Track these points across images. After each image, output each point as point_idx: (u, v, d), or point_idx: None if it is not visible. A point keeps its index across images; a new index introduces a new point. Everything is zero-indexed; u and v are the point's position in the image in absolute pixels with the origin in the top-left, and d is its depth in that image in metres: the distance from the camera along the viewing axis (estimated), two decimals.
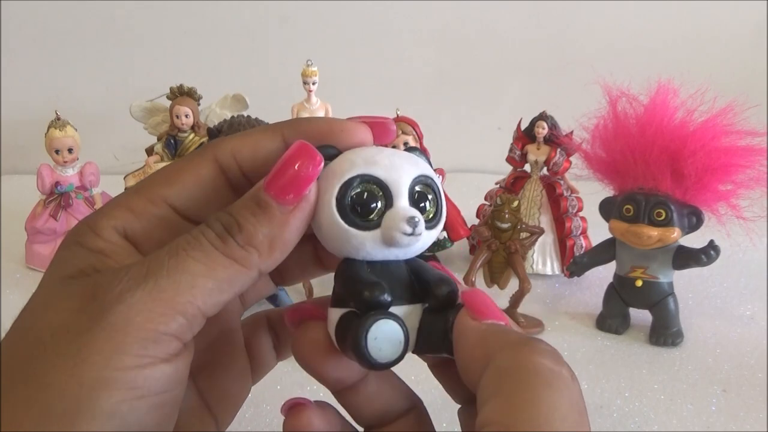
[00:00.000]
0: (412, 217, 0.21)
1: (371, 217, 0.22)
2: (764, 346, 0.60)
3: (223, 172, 0.24)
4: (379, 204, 0.22)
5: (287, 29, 1.06)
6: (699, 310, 0.66)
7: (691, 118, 0.57)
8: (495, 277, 0.64)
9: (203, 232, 0.21)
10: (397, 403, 0.26)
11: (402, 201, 0.22)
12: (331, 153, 0.23)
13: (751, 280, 0.72)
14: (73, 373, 0.19)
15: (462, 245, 0.78)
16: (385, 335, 0.21)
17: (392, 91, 1.07)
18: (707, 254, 0.58)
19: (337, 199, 0.22)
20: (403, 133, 0.71)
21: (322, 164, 0.22)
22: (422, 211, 0.22)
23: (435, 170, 0.24)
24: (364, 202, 0.22)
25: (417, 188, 0.22)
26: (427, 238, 0.23)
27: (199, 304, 0.20)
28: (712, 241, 0.59)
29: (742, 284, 0.72)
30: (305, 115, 0.81)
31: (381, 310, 0.21)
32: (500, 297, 0.65)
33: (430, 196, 0.23)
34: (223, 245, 0.21)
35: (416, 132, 0.72)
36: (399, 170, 0.22)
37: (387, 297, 0.21)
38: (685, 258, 0.59)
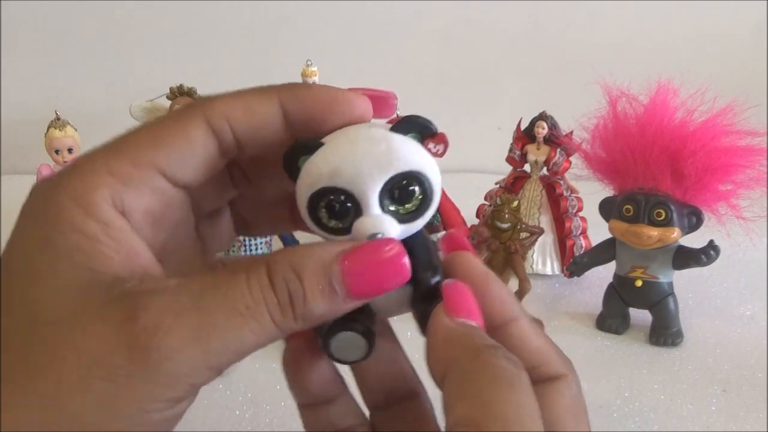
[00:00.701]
0: (374, 234, 0.22)
1: (342, 225, 0.22)
2: (764, 346, 0.60)
3: (215, 135, 0.22)
4: (350, 212, 0.22)
5: (287, 29, 1.06)
6: (699, 310, 0.66)
7: (691, 118, 0.57)
8: None
9: (266, 297, 0.19)
10: (404, 381, 0.26)
11: (371, 209, 0.22)
12: (311, 146, 0.23)
13: (751, 280, 0.72)
14: (105, 411, 0.18)
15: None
16: (347, 343, 0.23)
17: (393, 91, 1.07)
18: (707, 254, 0.58)
19: (308, 209, 0.22)
20: None
21: (407, 280, 0.21)
22: (402, 205, 0.22)
23: (436, 136, 0.24)
24: (334, 213, 0.22)
25: (397, 185, 0.22)
26: (411, 228, 0.23)
27: (232, 360, 0.19)
28: (712, 241, 0.59)
29: (742, 284, 0.72)
30: None
31: (341, 324, 0.22)
32: None
33: (413, 189, 0.22)
34: (282, 319, 0.20)
35: None
36: (366, 179, 0.21)
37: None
38: (685, 258, 0.59)
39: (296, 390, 0.25)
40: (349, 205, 0.22)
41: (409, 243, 0.22)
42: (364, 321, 0.23)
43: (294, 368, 0.24)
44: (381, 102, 0.24)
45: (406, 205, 0.23)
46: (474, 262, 0.24)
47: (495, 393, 0.19)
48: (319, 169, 0.22)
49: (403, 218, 0.23)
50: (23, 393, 0.18)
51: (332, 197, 0.22)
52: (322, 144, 0.23)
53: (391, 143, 0.23)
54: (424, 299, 0.23)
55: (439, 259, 0.24)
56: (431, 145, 0.24)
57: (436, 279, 0.23)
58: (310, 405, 0.25)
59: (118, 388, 0.18)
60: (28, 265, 0.19)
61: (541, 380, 0.22)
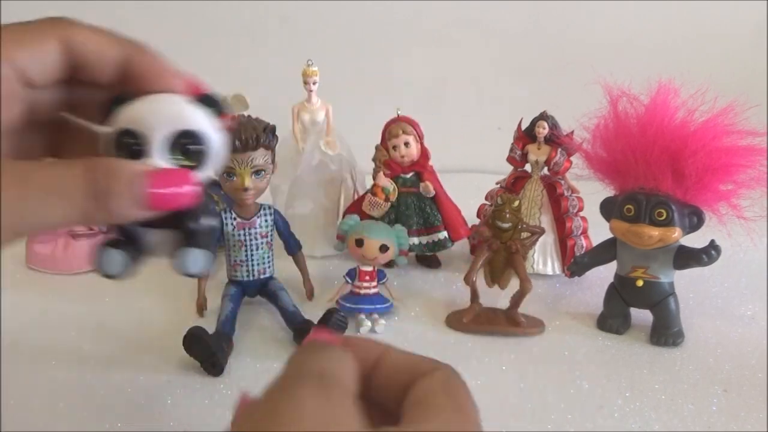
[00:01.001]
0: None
1: (138, 159, 0.29)
2: (765, 346, 0.60)
3: (66, 54, 0.29)
4: (140, 153, 0.29)
5: (287, 29, 1.06)
6: (700, 310, 0.66)
7: (691, 117, 0.57)
8: (496, 277, 0.64)
9: (77, 184, 0.27)
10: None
11: (155, 153, 0.29)
12: (129, 98, 0.31)
13: (752, 280, 0.72)
14: None
15: (462, 245, 0.78)
16: (110, 258, 0.31)
17: (392, 91, 1.07)
18: (708, 254, 0.58)
19: (114, 140, 0.30)
20: (404, 133, 0.71)
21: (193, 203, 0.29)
22: (184, 155, 0.29)
23: (225, 116, 0.33)
24: (128, 151, 0.30)
25: (179, 140, 0.30)
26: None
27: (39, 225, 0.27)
28: (713, 241, 0.59)
29: (743, 284, 0.72)
30: (306, 115, 0.81)
31: (113, 240, 0.32)
32: (501, 297, 0.65)
33: (192, 146, 0.30)
34: (85, 204, 0.27)
35: (417, 132, 0.72)
36: (154, 127, 0.30)
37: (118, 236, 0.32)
38: (685, 258, 0.59)
39: None
40: (137, 147, 0.30)
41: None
42: (133, 248, 0.32)
43: None
44: (195, 89, 0.33)
45: (187, 159, 0.30)
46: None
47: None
48: (126, 114, 0.31)
49: (183, 167, 0.30)
50: None
51: (128, 138, 0.30)
52: (136, 99, 0.31)
53: (183, 108, 0.32)
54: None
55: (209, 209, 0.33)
56: (221, 119, 0.33)
57: (204, 223, 0.32)
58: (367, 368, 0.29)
59: None
60: None
61: (420, 378, 0.27)
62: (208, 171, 0.31)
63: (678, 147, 0.56)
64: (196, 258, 0.32)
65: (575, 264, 0.65)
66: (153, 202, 0.28)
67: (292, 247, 0.66)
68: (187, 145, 0.31)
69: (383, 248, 0.64)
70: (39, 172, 0.27)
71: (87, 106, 0.33)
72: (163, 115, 0.31)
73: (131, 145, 0.30)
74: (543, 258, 0.73)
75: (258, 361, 0.58)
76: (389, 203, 0.73)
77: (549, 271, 0.73)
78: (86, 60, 0.31)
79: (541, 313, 0.65)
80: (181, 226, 0.31)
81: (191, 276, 0.32)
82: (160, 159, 0.30)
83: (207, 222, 0.32)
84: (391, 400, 0.27)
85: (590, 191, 0.66)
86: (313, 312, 0.62)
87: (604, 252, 0.63)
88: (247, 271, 0.63)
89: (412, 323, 0.64)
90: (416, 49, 1.08)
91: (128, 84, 0.32)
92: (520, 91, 1.06)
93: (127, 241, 0.32)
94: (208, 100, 0.33)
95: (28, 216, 0.26)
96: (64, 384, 0.53)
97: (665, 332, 0.60)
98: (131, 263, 0.32)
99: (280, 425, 0.22)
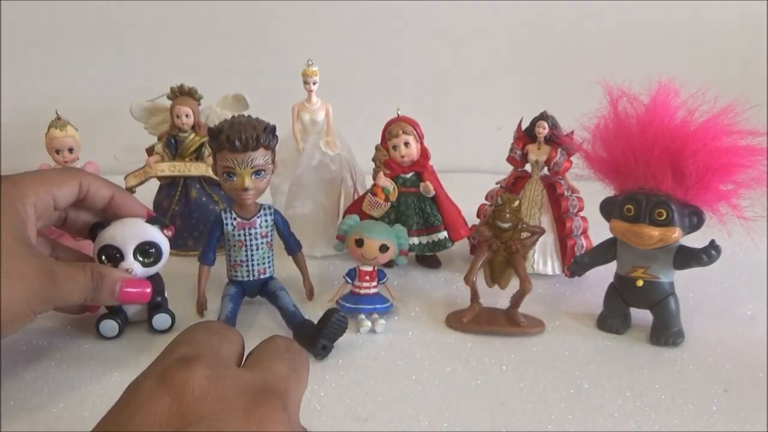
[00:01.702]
0: (128, 269, 0.57)
1: (113, 264, 0.56)
2: (765, 346, 0.60)
3: (79, 191, 0.54)
4: (117, 257, 0.56)
5: (288, 29, 1.06)
6: (700, 309, 0.66)
7: (691, 117, 0.57)
8: (496, 277, 0.64)
9: (86, 278, 0.53)
10: None
11: (128, 257, 0.56)
12: (104, 225, 0.59)
13: (752, 279, 0.72)
14: None
15: (462, 245, 0.78)
16: (107, 326, 0.60)
17: (393, 91, 1.07)
18: (708, 254, 0.58)
19: (97, 254, 0.57)
20: (404, 132, 0.71)
21: (147, 300, 0.56)
22: (144, 258, 0.55)
23: (167, 227, 0.60)
24: (109, 257, 0.57)
25: (142, 248, 0.56)
26: (150, 271, 0.58)
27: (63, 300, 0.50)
28: (713, 241, 0.59)
29: (743, 284, 0.72)
30: (306, 115, 0.81)
31: (105, 314, 0.61)
32: (501, 297, 0.65)
33: (150, 251, 0.58)
34: (91, 291, 0.53)
35: (416, 132, 0.72)
36: (127, 243, 0.56)
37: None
38: (686, 258, 0.59)
39: None
40: (117, 254, 0.58)
41: (152, 278, 0.59)
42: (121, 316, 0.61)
43: None
44: (149, 213, 0.60)
45: (147, 259, 0.58)
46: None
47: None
48: (104, 236, 0.58)
49: (145, 264, 0.59)
50: None
51: (110, 250, 0.58)
52: (109, 224, 0.59)
53: (143, 227, 0.59)
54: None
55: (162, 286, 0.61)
56: (165, 231, 0.60)
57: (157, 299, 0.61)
58: None
59: None
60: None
61: None
62: (162, 264, 0.59)
63: (678, 147, 0.56)
64: (164, 320, 0.61)
65: (575, 264, 0.65)
66: (123, 297, 0.55)
67: (292, 247, 0.66)
68: (146, 250, 0.58)
69: (383, 248, 0.64)
70: (65, 270, 0.50)
71: (78, 221, 0.59)
72: (131, 233, 0.58)
73: (114, 253, 0.57)
74: (543, 258, 0.73)
75: None
76: (389, 203, 0.73)
77: (549, 271, 0.73)
78: (90, 195, 0.56)
79: (541, 313, 0.65)
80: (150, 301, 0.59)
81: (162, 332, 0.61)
82: (132, 260, 0.57)
83: (162, 300, 0.63)
84: None
85: (590, 191, 0.66)
86: (313, 312, 0.62)
87: (604, 252, 0.63)
88: (247, 271, 0.63)
89: (412, 323, 0.64)
90: (416, 49, 1.08)
91: (111, 210, 0.58)
92: (520, 91, 1.06)
93: (116, 312, 0.61)
94: (157, 220, 0.60)
95: (57, 295, 0.49)
96: (64, 384, 0.53)
97: (665, 332, 0.60)
98: (121, 326, 0.60)
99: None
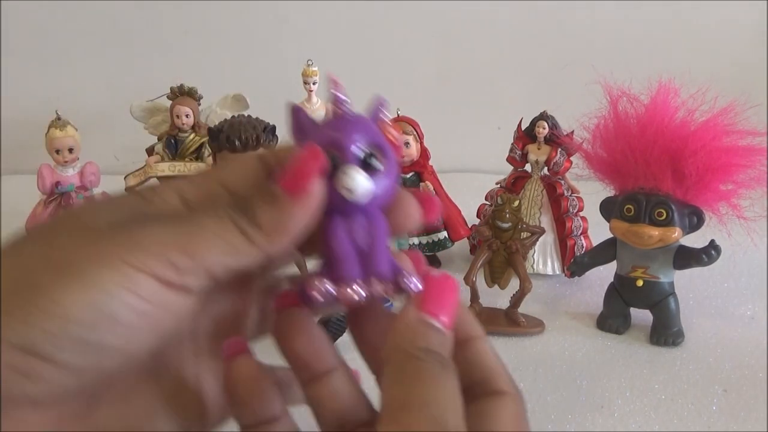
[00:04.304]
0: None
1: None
2: (765, 346, 0.60)
3: (263, 162, 0.28)
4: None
5: (287, 29, 1.06)
6: (700, 309, 0.66)
7: (691, 117, 0.57)
8: (496, 277, 0.64)
9: (222, 207, 0.25)
10: (356, 409, 0.27)
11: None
12: None
13: (752, 279, 0.72)
14: (85, 246, 0.22)
15: (462, 245, 0.78)
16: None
17: (393, 91, 1.06)
18: (708, 254, 0.58)
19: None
20: (404, 132, 0.71)
21: (324, 162, 0.25)
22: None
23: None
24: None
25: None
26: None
27: (204, 254, 0.24)
28: (713, 241, 0.59)
29: (743, 284, 0.72)
30: None
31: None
32: (501, 297, 0.65)
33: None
34: (237, 218, 0.24)
35: (417, 132, 0.72)
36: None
37: None
38: (685, 258, 0.59)
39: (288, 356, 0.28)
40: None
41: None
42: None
43: (283, 333, 0.28)
44: (428, 204, 0.29)
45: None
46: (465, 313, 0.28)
47: (419, 382, 0.23)
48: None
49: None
50: (27, 239, 0.24)
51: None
52: None
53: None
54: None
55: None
56: None
57: None
58: (309, 383, 0.28)
59: (100, 236, 0.23)
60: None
61: (489, 394, 0.26)
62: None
63: (678, 147, 0.56)
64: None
65: (575, 264, 0.65)
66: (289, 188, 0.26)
67: None
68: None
69: None
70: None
71: None
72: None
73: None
74: (543, 258, 0.73)
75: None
76: None
77: (549, 271, 0.73)
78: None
79: (541, 313, 0.65)
80: None
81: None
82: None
83: None
84: None
85: (590, 191, 0.66)
86: None
87: (604, 252, 0.63)
88: None
89: None
90: (416, 49, 1.08)
91: None
92: (520, 91, 1.06)
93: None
94: None
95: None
96: None
97: (665, 332, 0.60)
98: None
99: None
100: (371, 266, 0.26)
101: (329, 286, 0.26)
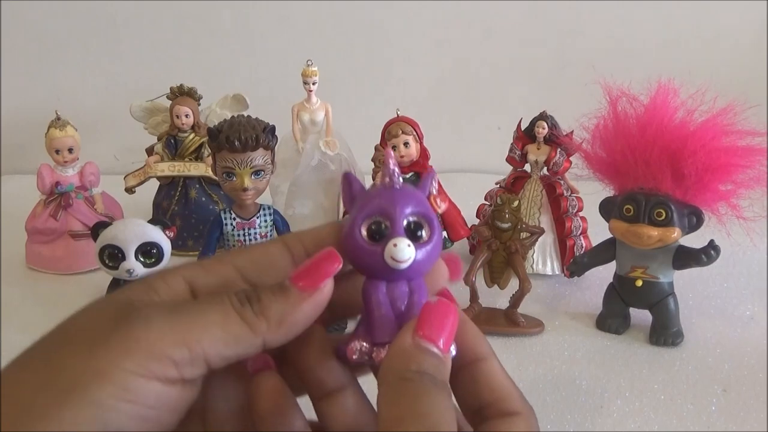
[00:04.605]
0: (129, 270, 0.31)
1: (113, 264, 0.32)
2: (764, 346, 0.60)
3: (288, 249, 0.27)
4: (119, 257, 0.32)
5: (287, 29, 1.06)
6: (699, 310, 0.66)
7: (691, 118, 0.57)
8: (495, 277, 0.64)
9: (228, 295, 0.25)
10: (369, 426, 0.27)
11: (130, 257, 0.32)
12: (105, 225, 0.59)
13: (752, 280, 0.72)
14: (82, 360, 0.22)
15: (462, 245, 0.78)
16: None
17: (392, 91, 1.07)
18: (707, 254, 0.58)
19: (99, 254, 0.46)
20: (404, 133, 0.71)
21: (340, 266, 0.26)
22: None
23: (169, 228, 0.47)
24: (112, 258, 0.35)
25: (144, 248, 0.32)
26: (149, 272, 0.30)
27: (204, 346, 0.23)
28: (712, 241, 0.59)
29: (743, 284, 0.72)
30: (305, 115, 0.81)
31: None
32: (500, 297, 0.65)
33: (153, 251, 0.33)
34: (241, 308, 0.24)
35: (416, 132, 0.72)
36: (128, 243, 0.33)
37: None
38: (685, 258, 0.59)
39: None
40: (119, 254, 0.58)
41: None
42: None
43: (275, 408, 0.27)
44: (454, 265, 0.30)
45: (149, 259, 0.57)
46: (474, 330, 0.28)
47: (412, 398, 0.23)
48: (106, 235, 0.58)
49: (147, 265, 0.58)
50: (28, 354, 0.24)
51: (111, 249, 0.58)
52: (111, 224, 0.59)
53: (145, 228, 0.59)
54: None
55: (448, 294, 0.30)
56: (167, 232, 0.60)
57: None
58: (321, 399, 0.27)
59: (97, 343, 0.22)
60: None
61: (501, 415, 0.25)
62: (163, 264, 0.46)
63: (677, 147, 0.56)
64: None
65: (575, 264, 0.65)
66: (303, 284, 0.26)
67: None
68: (150, 250, 0.58)
69: None
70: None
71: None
72: (133, 234, 0.58)
73: (116, 253, 0.58)
74: (542, 258, 0.73)
75: None
76: None
77: (548, 271, 0.73)
78: (310, 248, 0.29)
79: (540, 313, 0.65)
80: None
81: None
82: (133, 261, 0.57)
83: None
84: (458, 398, 0.27)
85: (590, 191, 0.66)
86: None
87: (604, 252, 0.63)
88: None
89: None
90: (416, 49, 1.08)
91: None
92: (520, 91, 1.06)
93: None
94: (158, 221, 0.61)
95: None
96: None
97: (664, 332, 0.60)
98: None
99: None
100: None
101: (366, 348, 0.26)
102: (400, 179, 0.28)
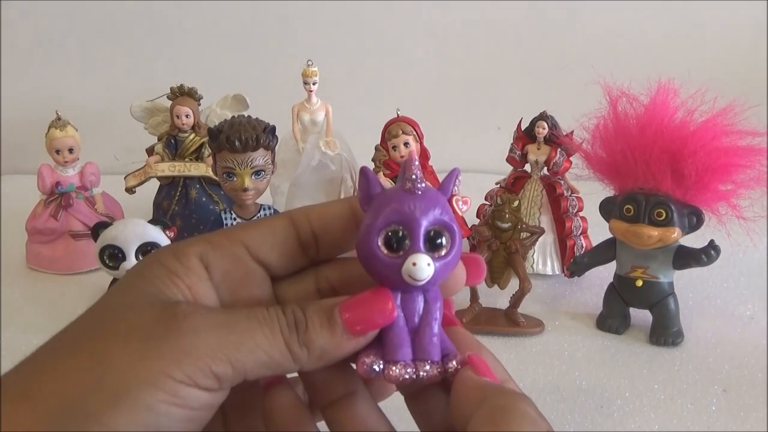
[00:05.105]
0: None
1: (114, 264, 0.30)
2: (764, 346, 0.60)
3: (294, 226, 0.28)
4: (119, 257, 0.30)
5: (287, 29, 1.06)
6: (699, 309, 0.66)
7: (691, 118, 0.57)
8: (495, 277, 0.64)
9: (278, 316, 0.25)
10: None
11: (130, 257, 0.30)
12: (105, 225, 0.59)
13: (752, 279, 0.72)
14: (134, 364, 0.23)
15: (462, 245, 0.78)
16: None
17: (392, 91, 1.07)
18: (707, 254, 0.58)
19: (99, 255, 0.37)
20: (404, 133, 0.71)
21: (395, 315, 0.25)
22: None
23: (169, 228, 0.41)
24: (112, 258, 0.31)
25: (142, 249, 0.30)
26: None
27: (247, 367, 0.24)
28: (712, 241, 0.59)
29: (743, 284, 0.72)
30: (306, 115, 0.81)
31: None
32: (500, 297, 0.66)
33: (149, 250, 0.30)
34: (289, 336, 0.25)
35: (417, 132, 0.72)
36: (128, 243, 0.31)
37: None
38: (685, 258, 0.59)
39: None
40: (119, 254, 0.58)
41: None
42: None
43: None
44: (474, 265, 0.29)
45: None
46: (467, 335, 0.28)
47: (520, 425, 0.22)
48: (106, 236, 0.58)
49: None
50: (77, 348, 0.24)
51: (112, 249, 0.57)
52: (111, 224, 0.57)
53: (145, 228, 0.58)
54: None
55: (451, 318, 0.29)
56: (167, 232, 0.60)
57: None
58: (329, 406, 0.28)
59: (148, 348, 0.23)
60: (123, 282, 0.26)
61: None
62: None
63: (677, 147, 0.56)
64: None
65: (575, 264, 0.65)
66: (351, 326, 0.26)
67: None
68: (150, 250, 0.53)
69: None
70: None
71: None
72: (133, 234, 0.57)
73: (116, 253, 0.58)
74: (543, 258, 0.73)
75: None
76: None
77: (549, 271, 0.73)
78: (315, 224, 0.30)
79: (540, 313, 0.65)
80: None
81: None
82: (134, 261, 0.57)
83: None
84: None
85: (590, 191, 0.66)
86: None
87: (604, 252, 0.63)
88: None
89: None
90: (416, 49, 1.08)
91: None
92: (520, 91, 1.06)
93: None
94: (157, 222, 0.60)
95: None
96: None
97: (664, 332, 0.60)
98: None
99: None
100: (421, 349, 0.26)
101: (376, 365, 0.25)
102: (423, 184, 0.26)
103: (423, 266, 0.24)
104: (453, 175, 0.28)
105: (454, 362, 0.26)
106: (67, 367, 0.23)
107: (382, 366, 0.25)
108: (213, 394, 0.24)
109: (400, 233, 0.25)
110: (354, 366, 0.26)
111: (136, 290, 0.25)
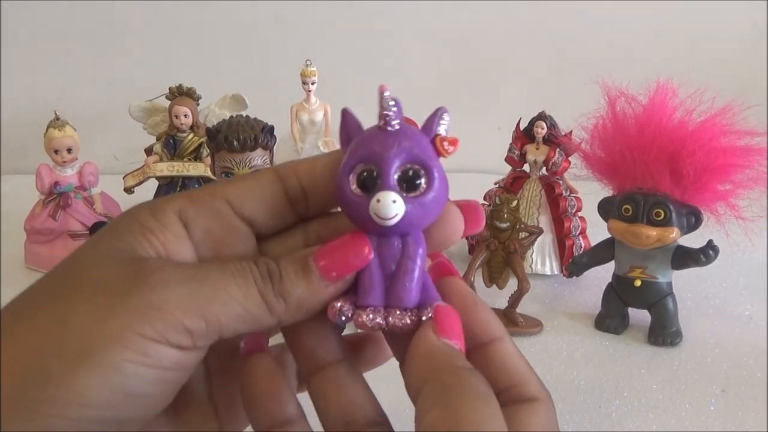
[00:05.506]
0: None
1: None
2: (763, 346, 0.60)
3: (281, 181, 0.26)
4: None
5: (286, 29, 1.06)
6: (698, 310, 0.66)
7: (690, 117, 0.57)
8: (494, 277, 0.64)
9: (251, 268, 0.24)
10: (363, 405, 0.26)
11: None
12: (104, 224, 0.37)
13: (750, 280, 0.72)
14: (98, 322, 0.21)
15: (461, 245, 0.78)
16: None
17: (392, 91, 1.07)
18: (706, 254, 0.58)
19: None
20: None
21: (371, 257, 0.24)
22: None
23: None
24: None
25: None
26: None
27: (221, 321, 0.23)
28: (710, 241, 0.59)
29: (741, 284, 0.72)
30: (305, 115, 0.81)
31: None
32: (499, 297, 0.65)
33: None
34: (263, 286, 0.23)
35: None
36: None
37: None
38: (684, 258, 0.59)
39: (253, 413, 0.26)
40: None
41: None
42: None
43: (254, 388, 0.26)
44: (472, 212, 0.28)
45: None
46: (462, 286, 0.26)
47: (471, 405, 0.21)
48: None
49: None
50: (37, 309, 0.22)
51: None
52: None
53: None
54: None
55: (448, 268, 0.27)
56: None
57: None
58: (314, 375, 0.26)
59: (114, 304, 0.22)
60: (94, 238, 0.25)
61: (518, 400, 0.24)
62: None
63: (676, 147, 0.56)
64: None
65: (573, 264, 0.65)
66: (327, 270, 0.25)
67: None
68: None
69: None
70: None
71: None
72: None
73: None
74: (541, 258, 0.73)
75: None
76: None
77: (547, 271, 0.73)
78: (303, 179, 0.28)
79: (539, 313, 0.65)
80: None
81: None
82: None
83: None
84: None
85: (589, 191, 0.66)
86: None
87: (603, 252, 0.63)
88: None
89: None
90: (415, 49, 1.08)
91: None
92: (520, 91, 1.06)
93: None
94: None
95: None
96: None
97: (663, 332, 0.60)
98: None
99: None
100: (395, 295, 0.24)
101: (346, 309, 0.24)
102: (397, 121, 0.24)
103: (388, 203, 0.23)
104: (437, 113, 0.27)
105: (429, 311, 0.24)
106: (27, 329, 0.22)
107: (351, 312, 0.24)
108: (186, 353, 0.23)
109: (374, 173, 0.23)
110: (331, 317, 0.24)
111: (105, 245, 0.24)
